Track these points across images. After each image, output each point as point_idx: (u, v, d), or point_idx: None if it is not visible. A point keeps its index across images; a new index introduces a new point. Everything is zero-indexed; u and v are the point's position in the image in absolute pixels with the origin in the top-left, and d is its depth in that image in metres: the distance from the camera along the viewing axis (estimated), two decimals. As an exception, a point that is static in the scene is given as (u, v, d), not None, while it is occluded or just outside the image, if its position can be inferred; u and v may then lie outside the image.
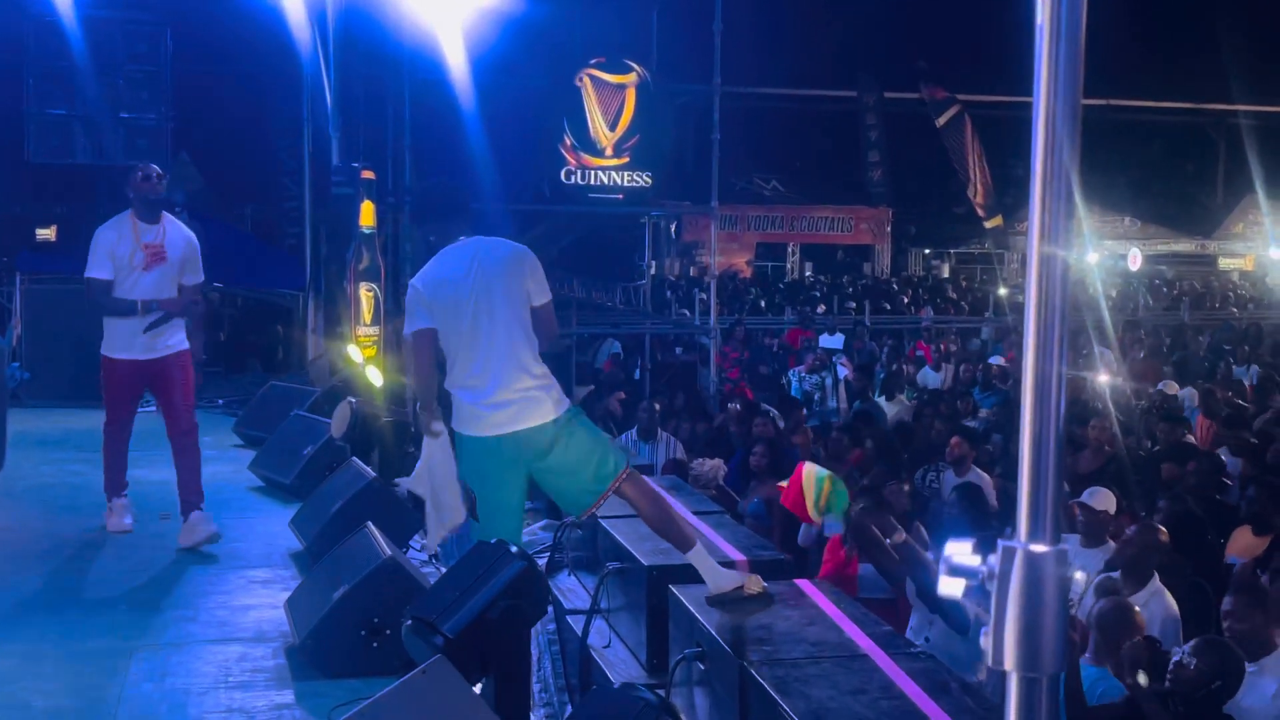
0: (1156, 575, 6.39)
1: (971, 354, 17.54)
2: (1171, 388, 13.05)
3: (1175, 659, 5.07)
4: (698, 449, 10.44)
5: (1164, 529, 6.65)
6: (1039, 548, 1.78)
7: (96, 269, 7.70)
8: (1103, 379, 12.50)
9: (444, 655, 4.67)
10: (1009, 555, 1.78)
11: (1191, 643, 5.13)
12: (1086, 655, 5.64)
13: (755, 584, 4.89)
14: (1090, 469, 9.08)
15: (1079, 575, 4.68)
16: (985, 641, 1.80)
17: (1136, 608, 5.74)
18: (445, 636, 4.74)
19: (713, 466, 9.29)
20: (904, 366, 16.26)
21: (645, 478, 5.35)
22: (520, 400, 5.17)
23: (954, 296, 30.02)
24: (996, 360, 15.82)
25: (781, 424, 11.08)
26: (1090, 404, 11.77)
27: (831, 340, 19.10)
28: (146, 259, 7.62)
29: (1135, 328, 19.69)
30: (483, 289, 5.22)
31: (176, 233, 7.77)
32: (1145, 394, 13.28)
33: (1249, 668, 5.21)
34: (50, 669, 5.79)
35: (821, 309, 24.25)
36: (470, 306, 5.21)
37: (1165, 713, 4.93)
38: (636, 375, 16.43)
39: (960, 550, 1.86)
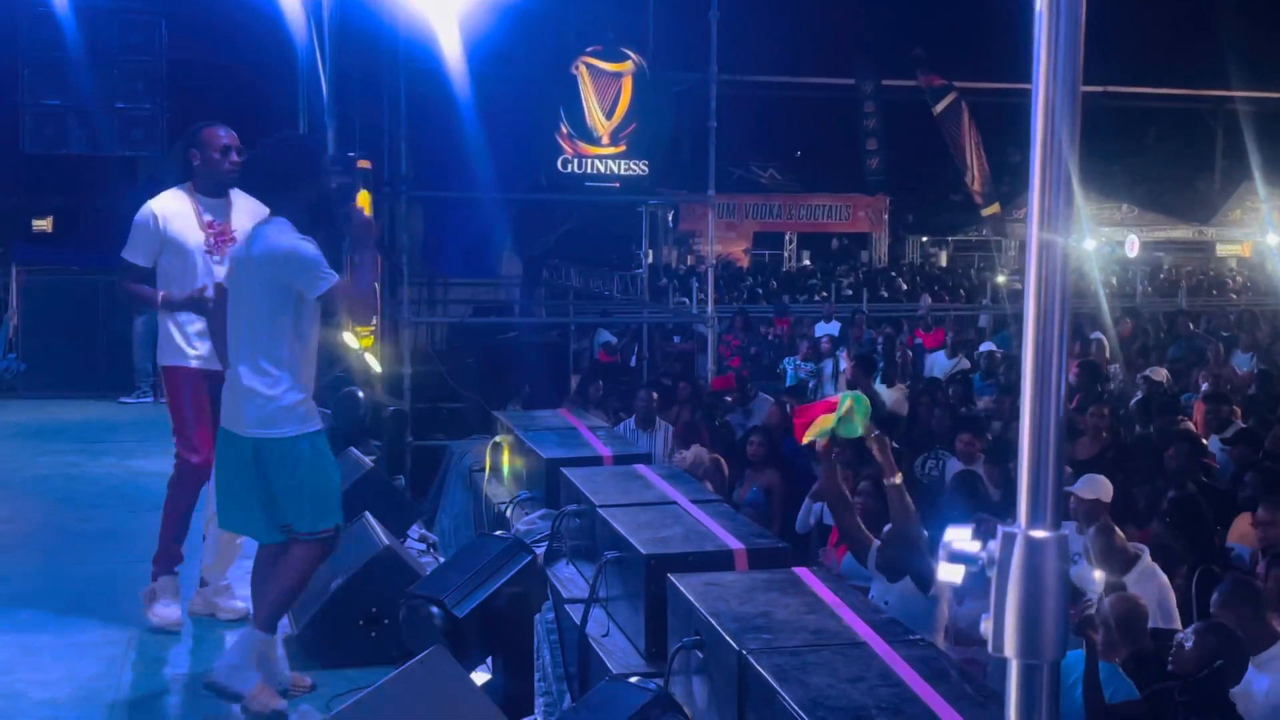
0: (1146, 554, 6.41)
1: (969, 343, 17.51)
2: (1159, 374, 13.05)
3: (1175, 641, 5.07)
4: (695, 438, 10.42)
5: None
6: (1039, 533, 1.78)
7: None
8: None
9: (445, 639, 4.68)
10: (1009, 541, 1.78)
11: (1192, 625, 5.13)
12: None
13: (263, 702, 5.03)
14: (1088, 455, 9.08)
15: (1097, 575, 4.69)
16: (985, 628, 1.80)
17: (1142, 600, 5.75)
18: (453, 616, 4.75)
19: (694, 455, 9.29)
20: (906, 353, 16.25)
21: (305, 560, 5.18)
22: (240, 399, 5.13)
23: (951, 284, 30.02)
24: (989, 347, 15.81)
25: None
26: (1102, 392, 11.78)
27: (828, 328, 19.09)
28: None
29: (1136, 315, 19.66)
30: (245, 275, 5.14)
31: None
32: (1143, 381, 13.28)
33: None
34: (47, 660, 5.79)
35: (822, 296, 24.26)
36: (237, 289, 5.19)
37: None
38: (632, 363, 16.43)
39: (960, 536, 1.86)
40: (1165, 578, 6.28)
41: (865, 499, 6.97)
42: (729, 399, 12.13)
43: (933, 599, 5.77)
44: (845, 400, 6.06)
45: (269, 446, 5.07)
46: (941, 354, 15.96)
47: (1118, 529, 6.48)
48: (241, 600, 6.56)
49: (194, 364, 6.09)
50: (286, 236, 5.04)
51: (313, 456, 5.15)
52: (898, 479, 5.98)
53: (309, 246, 5.03)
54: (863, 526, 6.35)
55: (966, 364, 15.13)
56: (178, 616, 6.19)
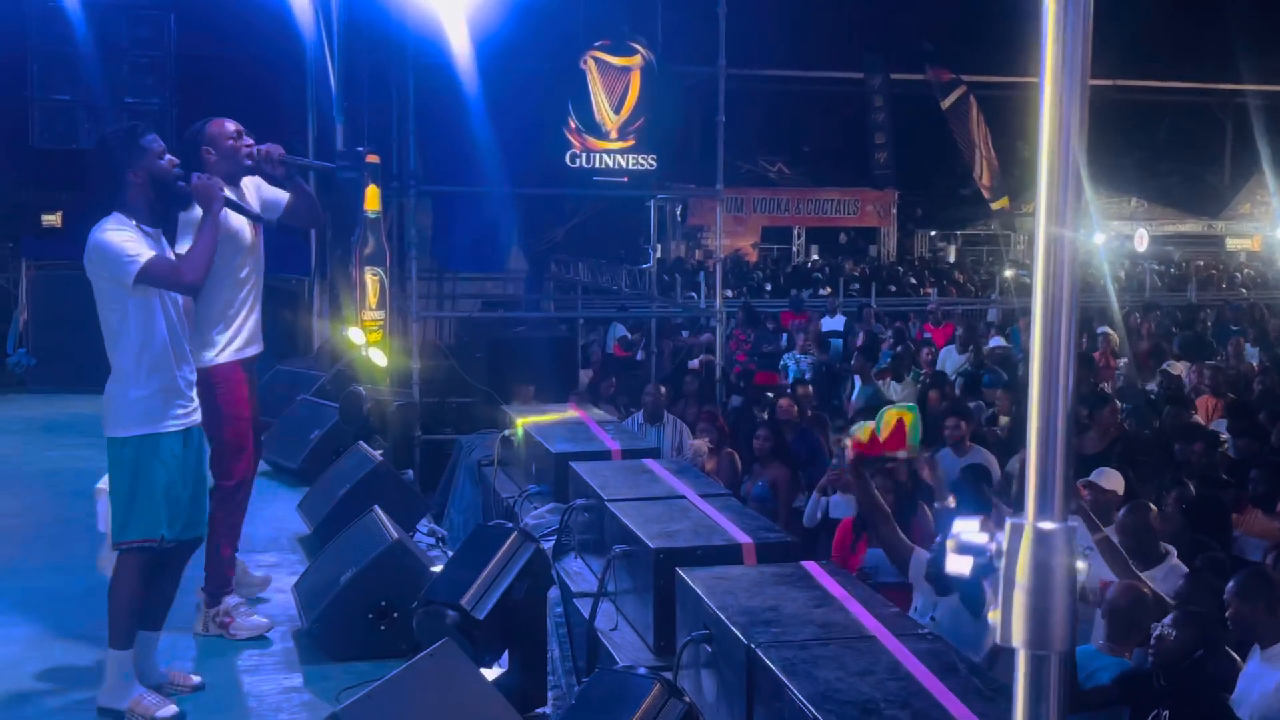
0: (1174, 552, 6.39)
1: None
2: (1176, 368, 13.04)
3: (1156, 632, 5.07)
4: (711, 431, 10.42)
5: (1154, 506, 6.67)
6: (1047, 525, 1.78)
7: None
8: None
9: (464, 638, 4.69)
10: (1017, 532, 1.79)
11: (1170, 616, 5.13)
12: (1100, 643, 5.64)
13: (143, 712, 4.98)
14: (1096, 450, 9.08)
15: (1080, 565, 4.69)
16: (994, 619, 1.80)
17: (1147, 589, 5.74)
18: (475, 620, 4.76)
19: (695, 447, 9.31)
20: (910, 347, 16.24)
21: (130, 573, 5.06)
22: (105, 396, 5.16)
23: (960, 279, 29.98)
24: (998, 342, 15.80)
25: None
26: (1096, 385, 11.76)
27: (832, 322, 19.08)
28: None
29: (1150, 310, 19.59)
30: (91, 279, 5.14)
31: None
32: (1152, 375, 13.27)
33: (1257, 654, 5.18)
34: (58, 654, 5.81)
35: (827, 290, 24.23)
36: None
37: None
38: (639, 357, 16.43)
39: (968, 528, 1.87)
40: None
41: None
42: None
43: (984, 624, 5.71)
44: (899, 417, 5.98)
45: (124, 444, 5.10)
46: (953, 348, 15.96)
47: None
48: (258, 570, 6.59)
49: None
50: (94, 234, 5.03)
51: (133, 462, 5.07)
52: (951, 502, 5.96)
53: (113, 236, 4.98)
54: (903, 536, 6.34)
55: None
56: (266, 621, 6.16)
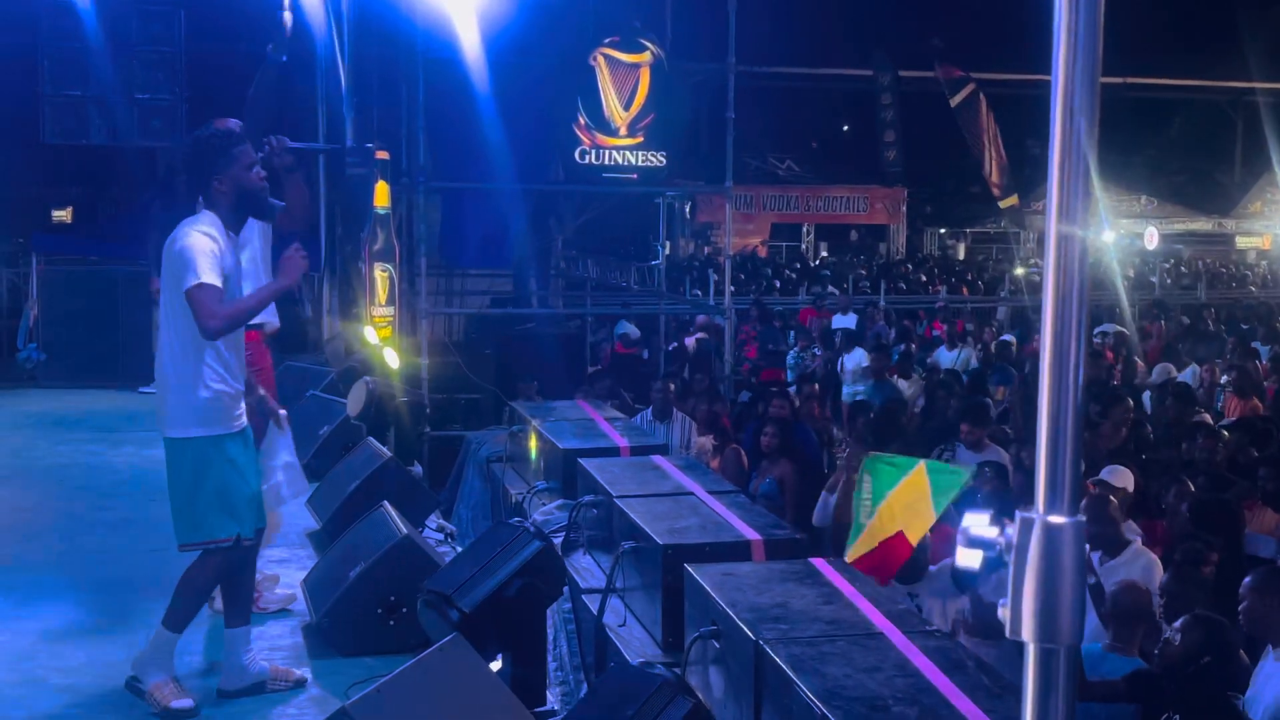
0: (1139, 539, 6.46)
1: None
2: (1169, 370, 13.06)
3: (1164, 636, 5.07)
4: (716, 428, 10.42)
5: (1114, 500, 6.71)
6: (1057, 519, 1.79)
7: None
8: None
9: (460, 631, 4.69)
10: (1027, 526, 1.79)
11: (1179, 620, 5.12)
12: (1105, 641, 5.64)
13: (158, 699, 5.04)
14: (1107, 448, 9.06)
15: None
16: (1003, 613, 1.81)
17: (1147, 588, 5.75)
18: (461, 611, 4.76)
19: (699, 445, 9.31)
20: (912, 346, 16.23)
21: (198, 576, 5.12)
22: (158, 394, 5.15)
23: (970, 277, 29.94)
24: (1009, 339, 15.77)
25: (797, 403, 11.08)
26: (1106, 383, 11.74)
27: (844, 320, 19.05)
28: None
29: (1164, 308, 19.52)
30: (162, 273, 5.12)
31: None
32: (1163, 373, 13.26)
33: (1271, 655, 5.17)
34: (68, 647, 5.83)
35: (842, 288, 24.19)
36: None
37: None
38: (644, 355, 16.41)
39: (978, 522, 1.87)
40: (1157, 560, 6.33)
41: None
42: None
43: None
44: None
45: (188, 446, 5.08)
46: (943, 347, 15.99)
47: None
48: (283, 589, 6.59)
49: None
50: (185, 229, 4.98)
51: (195, 463, 5.07)
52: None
53: (200, 239, 4.92)
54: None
55: (972, 355, 15.14)
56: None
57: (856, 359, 13.96)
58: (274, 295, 5.30)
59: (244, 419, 5.27)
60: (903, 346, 16.09)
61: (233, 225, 5.14)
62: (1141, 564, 6.30)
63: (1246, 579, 5.34)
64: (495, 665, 4.94)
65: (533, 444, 7.31)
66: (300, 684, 5.43)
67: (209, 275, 4.87)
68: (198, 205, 5.08)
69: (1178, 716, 4.81)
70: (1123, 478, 7.19)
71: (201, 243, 4.92)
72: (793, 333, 18.92)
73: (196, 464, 5.06)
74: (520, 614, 5.04)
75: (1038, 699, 1.79)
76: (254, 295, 5.21)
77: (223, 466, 5.07)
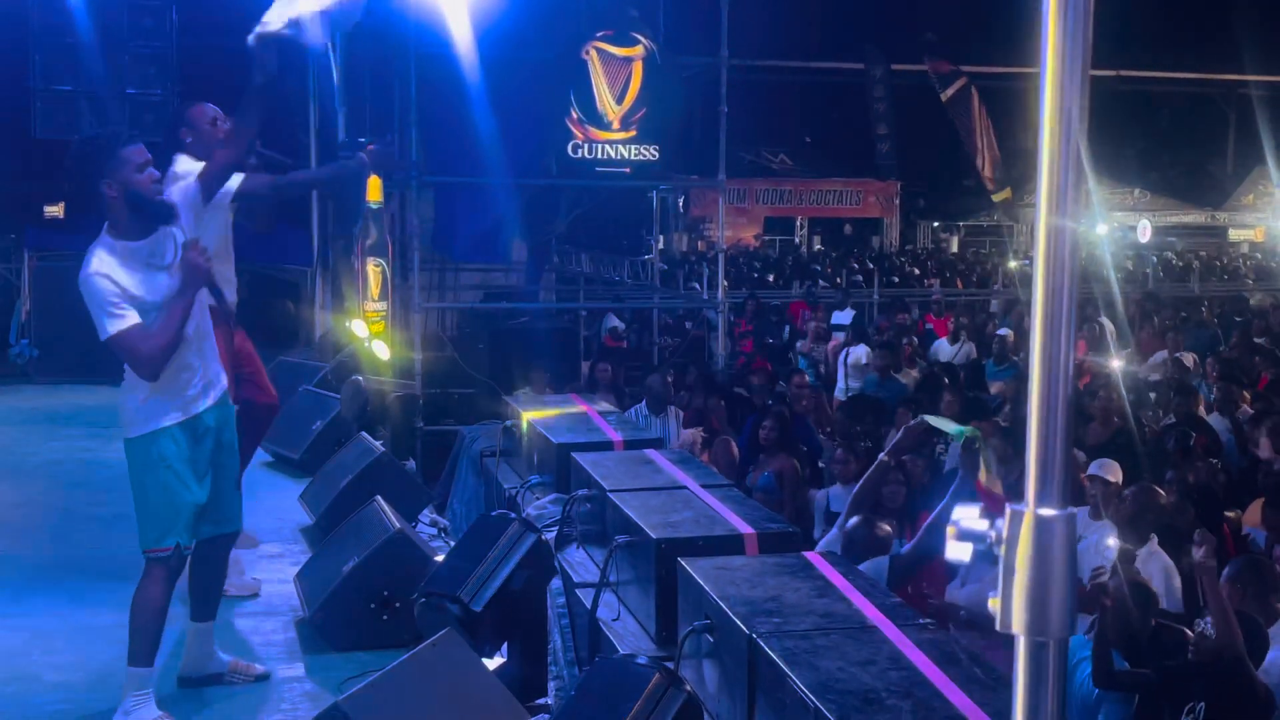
0: (1155, 537, 6.44)
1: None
2: (1187, 359, 13.05)
3: (1198, 630, 5.10)
4: (705, 422, 10.42)
5: (1163, 492, 6.71)
6: (1047, 511, 1.79)
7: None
8: (1112, 361, 12.47)
9: (464, 629, 4.70)
10: (1017, 519, 1.79)
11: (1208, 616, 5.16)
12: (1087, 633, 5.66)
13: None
14: (1098, 441, 9.07)
15: (1111, 541, 4.73)
16: (993, 606, 1.81)
17: (1150, 583, 5.76)
18: (472, 611, 4.77)
19: (688, 437, 9.31)
20: (908, 339, 16.21)
21: (156, 589, 4.87)
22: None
23: (963, 269, 29.96)
24: (1005, 332, 15.75)
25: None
26: (1097, 377, 11.74)
27: (842, 316, 19.03)
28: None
29: (1155, 302, 19.50)
30: None
31: None
32: (1156, 366, 13.26)
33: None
34: (61, 643, 5.83)
35: (838, 283, 24.18)
36: None
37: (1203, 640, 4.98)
38: (626, 345, 16.40)
39: (968, 514, 1.87)
40: (1170, 560, 6.30)
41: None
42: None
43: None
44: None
45: (133, 446, 4.96)
46: (944, 340, 15.96)
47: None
48: (252, 578, 6.59)
49: None
50: (86, 264, 4.75)
51: (136, 465, 4.93)
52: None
53: (97, 283, 4.70)
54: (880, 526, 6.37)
55: (972, 349, 15.12)
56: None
57: (857, 354, 13.94)
58: (184, 309, 4.84)
59: (199, 401, 4.99)
60: (900, 341, 16.06)
61: (135, 233, 4.82)
62: (1159, 565, 6.28)
63: (1226, 569, 5.40)
64: (491, 661, 4.94)
65: (526, 438, 7.30)
66: (264, 678, 5.43)
67: (118, 322, 4.69)
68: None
69: (1202, 705, 4.85)
70: (1113, 471, 7.20)
71: (96, 288, 4.71)
72: (787, 327, 18.92)
73: (135, 466, 4.93)
74: (525, 606, 5.05)
75: (1028, 692, 1.79)
76: (169, 319, 4.80)
77: (160, 471, 4.87)
